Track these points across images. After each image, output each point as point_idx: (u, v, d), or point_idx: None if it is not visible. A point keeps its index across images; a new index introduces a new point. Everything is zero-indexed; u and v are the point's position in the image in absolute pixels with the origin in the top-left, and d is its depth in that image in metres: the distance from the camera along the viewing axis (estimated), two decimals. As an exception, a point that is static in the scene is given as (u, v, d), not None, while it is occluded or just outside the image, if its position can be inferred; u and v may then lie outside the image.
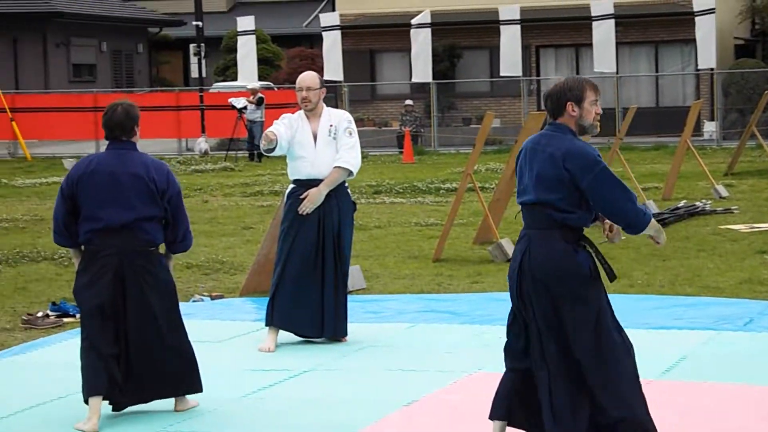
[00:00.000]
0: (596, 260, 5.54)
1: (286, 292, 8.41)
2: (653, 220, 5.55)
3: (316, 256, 8.44)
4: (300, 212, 8.42)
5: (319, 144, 8.48)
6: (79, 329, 6.82)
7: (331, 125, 8.51)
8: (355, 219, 8.80)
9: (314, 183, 8.47)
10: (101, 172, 6.61)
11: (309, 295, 8.41)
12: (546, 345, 5.48)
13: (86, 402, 6.56)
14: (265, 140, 8.38)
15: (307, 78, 8.54)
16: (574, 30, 33.75)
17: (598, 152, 5.53)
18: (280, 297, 8.43)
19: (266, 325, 8.53)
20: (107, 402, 6.64)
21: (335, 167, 8.44)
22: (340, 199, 8.52)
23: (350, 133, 8.54)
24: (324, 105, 8.62)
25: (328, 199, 8.46)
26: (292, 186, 8.60)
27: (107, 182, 6.59)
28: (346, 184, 8.65)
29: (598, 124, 5.62)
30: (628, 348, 5.53)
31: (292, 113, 8.66)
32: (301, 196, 8.43)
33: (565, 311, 5.46)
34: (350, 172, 8.49)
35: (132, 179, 6.59)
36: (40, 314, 9.63)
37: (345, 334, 8.60)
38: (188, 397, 6.87)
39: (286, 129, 8.47)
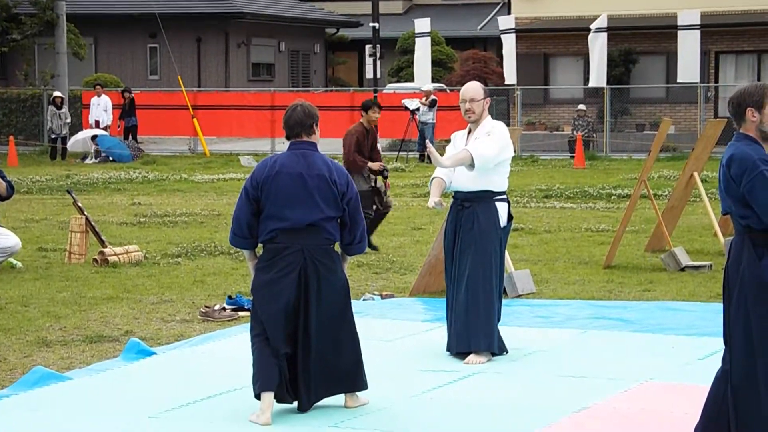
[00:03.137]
0: None
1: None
2: None
3: (452, 267, 8.25)
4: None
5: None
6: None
7: (476, 138, 8.17)
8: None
9: (460, 195, 8.21)
10: (287, 173, 6.72)
11: (451, 308, 8.26)
12: (732, 342, 5.56)
13: (257, 397, 6.71)
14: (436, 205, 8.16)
15: (471, 89, 8.22)
16: (757, 36, 32.88)
17: (763, 156, 5.50)
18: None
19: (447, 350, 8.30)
20: (282, 401, 6.76)
21: (463, 149, 8.13)
22: (481, 212, 8.14)
23: (488, 134, 8.15)
24: (488, 116, 8.29)
25: (463, 210, 8.19)
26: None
27: (294, 183, 6.69)
28: (497, 197, 8.20)
29: None
30: None
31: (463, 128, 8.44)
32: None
33: (752, 315, 5.51)
34: (473, 159, 8.00)
35: (317, 180, 6.71)
36: (217, 307, 9.90)
37: (488, 348, 8.14)
38: (359, 394, 6.98)
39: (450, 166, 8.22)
